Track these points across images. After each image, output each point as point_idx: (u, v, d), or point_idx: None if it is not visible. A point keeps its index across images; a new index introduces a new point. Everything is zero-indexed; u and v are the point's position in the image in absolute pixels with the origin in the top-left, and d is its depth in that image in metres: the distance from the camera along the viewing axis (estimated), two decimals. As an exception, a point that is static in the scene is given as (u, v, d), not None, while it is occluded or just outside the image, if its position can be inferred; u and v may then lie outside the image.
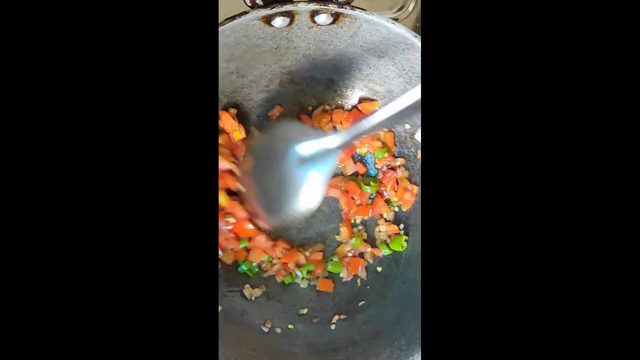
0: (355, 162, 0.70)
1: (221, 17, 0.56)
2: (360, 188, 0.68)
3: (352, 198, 0.69)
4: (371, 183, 0.68)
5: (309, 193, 0.58)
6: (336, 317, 0.65)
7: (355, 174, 0.70)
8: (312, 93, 0.69)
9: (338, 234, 0.69)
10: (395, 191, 0.68)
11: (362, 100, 0.68)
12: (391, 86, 0.65)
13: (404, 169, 0.68)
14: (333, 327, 0.65)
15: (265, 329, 0.64)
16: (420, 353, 0.58)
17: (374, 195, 0.69)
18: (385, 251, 0.68)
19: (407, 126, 0.67)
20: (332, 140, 0.55)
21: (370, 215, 0.69)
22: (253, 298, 0.66)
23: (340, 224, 0.69)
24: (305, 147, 0.57)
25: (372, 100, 0.68)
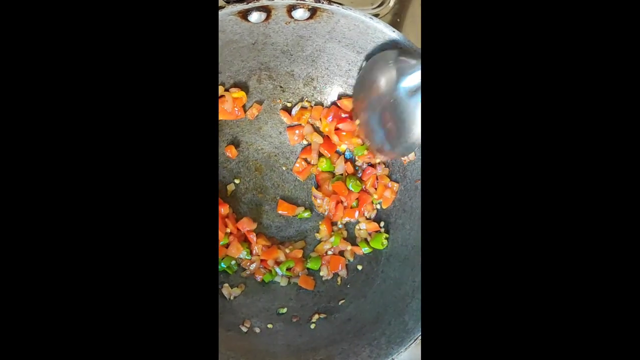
0: (345, 162, 0.68)
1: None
2: (347, 188, 0.67)
3: (340, 201, 0.67)
4: (355, 182, 0.66)
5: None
6: (316, 316, 0.64)
7: (340, 175, 0.68)
8: (291, 89, 0.68)
9: (318, 232, 0.68)
10: (375, 188, 0.67)
11: (341, 96, 0.67)
12: (370, 82, 0.64)
13: (384, 166, 0.67)
14: (313, 326, 0.64)
15: (244, 329, 0.63)
16: (400, 352, 0.58)
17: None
18: (365, 249, 0.67)
19: (387, 123, 0.66)
20: None
21: (356, 217, 0.68)
22: (232, 297, 0.65)
23: (320, 222, 0.68)
24: (411, 79, 0.56)
25: (351, 96, 0.67)
